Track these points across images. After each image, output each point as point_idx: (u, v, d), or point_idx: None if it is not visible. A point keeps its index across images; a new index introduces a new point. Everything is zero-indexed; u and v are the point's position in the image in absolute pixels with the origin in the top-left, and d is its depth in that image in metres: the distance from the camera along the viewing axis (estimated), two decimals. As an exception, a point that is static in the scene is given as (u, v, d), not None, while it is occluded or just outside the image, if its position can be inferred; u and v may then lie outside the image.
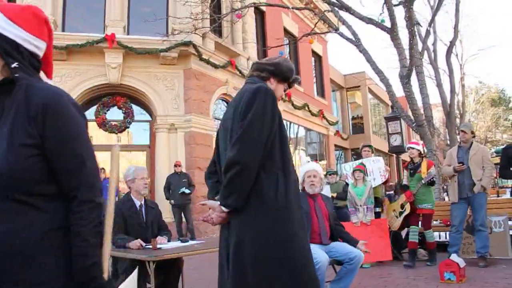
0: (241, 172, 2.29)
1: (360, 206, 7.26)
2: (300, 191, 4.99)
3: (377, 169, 7.81)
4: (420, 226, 7.16)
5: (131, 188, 4.45)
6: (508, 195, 13.57)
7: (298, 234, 2.38)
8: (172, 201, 11.19)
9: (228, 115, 2.58)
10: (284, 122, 16.02)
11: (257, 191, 2.33)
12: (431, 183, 6.99)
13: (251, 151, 2.31)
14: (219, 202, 2.40)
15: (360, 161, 8.07)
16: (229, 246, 2.40)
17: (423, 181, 6.88)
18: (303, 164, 8.44)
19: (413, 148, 7.33)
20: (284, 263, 2.28)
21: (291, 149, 20.02)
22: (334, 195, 8.93)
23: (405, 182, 7.28)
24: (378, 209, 7.57)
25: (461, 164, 6.62)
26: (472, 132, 7.00)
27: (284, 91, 2.78)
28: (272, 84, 2.69)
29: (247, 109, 2.39)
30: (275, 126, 2.44)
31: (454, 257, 5.71)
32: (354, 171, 7.58)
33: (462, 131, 6.99)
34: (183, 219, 11.33)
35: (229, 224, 2.43)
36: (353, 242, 4.73)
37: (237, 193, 2.32)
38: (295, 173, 2.55)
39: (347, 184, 8.33)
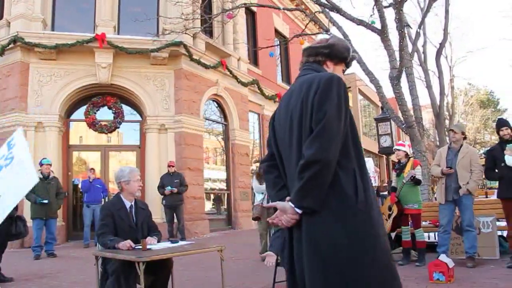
0: (321, 172, 2.13)
1: None
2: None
3: None
4: (410, 226, 7.21)
5: (124, 189, 4.42)
6: (496, 196, 13.66)
7: (380, 233, 2.22)
8: (164, 201, 11.17)
9: (291, 106, 2.37)
10: (275, 122, 15.92)
11: (335, 190, 2.17)
12: (416, 182, 7.03)
13: (331, 148, 2.13)
14: (289, 204, 2.22)
15: None
16: (301, 249, 2.25)
17: (403, 180, 6.95)
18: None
19: (399, 150, 7.40)
20: (370, 264, 2.12)
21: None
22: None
23: (393, 183, 7.33)
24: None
25: (449, 169, 6.68)
26: (463, 133, 7.03)
27: (343, 72, 2.56)
28: (329, 68, 2.50)
29: (321, 101, 2.19)
30: (348, 118, 2.26)
31: (443, 257, 5.75)
32: None
33: (452, 130, 7.02)
34: (175, 220, 11.29)
35: (301, 225, 2.24)
36: None
37: (315, 193, 2.15)
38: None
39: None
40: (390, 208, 7.36)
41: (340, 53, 2.51)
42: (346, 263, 2.11)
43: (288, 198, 2.27)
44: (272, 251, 4.58)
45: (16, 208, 7.01)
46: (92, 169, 11.46)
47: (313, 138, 2.14)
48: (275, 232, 4.69)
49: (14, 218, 6.98)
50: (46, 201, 9.17)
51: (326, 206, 2.15)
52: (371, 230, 2.19)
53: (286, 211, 2.23)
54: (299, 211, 2.19)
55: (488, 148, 8.00)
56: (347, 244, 2.12)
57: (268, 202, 8.05)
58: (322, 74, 2.35)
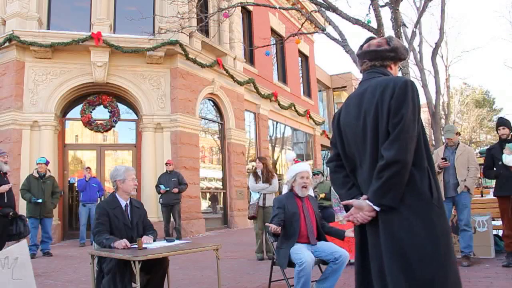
0: (400, 171, 2.27)
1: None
2: (288, 190, 5.01)
3: None
4: None
5: (119, 188, 4.42)
6: (492, 195, 13.71)
7: (449, 230, 2.42)
8: (161, 200, 11.15)
9: (364, 109, 2.48)
10: (271, 122, 15.99)
11: (412, 188, 2.31)
12: None
13: (408, 149, 2.28)
14: (366, 201, 2.36)
15: None
16: (377, 244, 2.37)
17: None
18: (289, 159, 8.39)
19: None
20: (444, 259, 2.26)
21: (278, 149, 20.06)
22: (323, 195, 8.96)
23: None
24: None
25: (444, 160, 6.68)
26: (458, 133, 7.07)
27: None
28: (392, 70, 2.66)
29: (398, 106, 2.32)
30: (420, 121, 2.43)
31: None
32: None
33: (448, 138, 7.03)
34: (172, 218, 11.26)
35: (378, 222, 2.37)
36: (340, 233, 4.79)
37: (395, 191, 2.29)
38: None
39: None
40: None
41: (402, 55, 2.66)
42: (426, 257, 2.23)
43: (364, 196, 2.41)
44: (278, 265, 4.59)
45: (13, 207, 6.99)
46: (88, 168, 11.43)
47: (392, 140, 2.29)
48: (278, 248, 4.68)
49: (14, 217, 6.95)
50: (40, 200, 9.15)
51: (404, 203, 2.30)
52: (445, 225, 2.37)
53: (363, 208, 2.38)
54: (378, 208, 2.33)
55: (488, 147, 8.03)
56: (426, 238, 2.25)
57: (264, 201, 8.11)
58: (395, 78, 2.46)
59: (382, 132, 2.36)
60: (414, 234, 2.26)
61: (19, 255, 4.15)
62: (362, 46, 2.72)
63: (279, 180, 9.36)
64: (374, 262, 2.39)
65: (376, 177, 2.32)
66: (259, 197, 8.20)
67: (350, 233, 4.70)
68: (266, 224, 4.58)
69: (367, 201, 2.36)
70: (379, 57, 2.61)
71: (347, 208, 2.55)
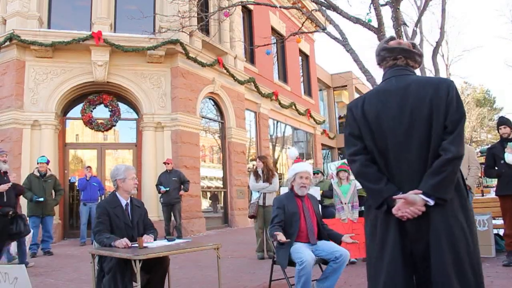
0: (458, 167, 2.41)
1: (345, 204, 7.31)
2: (288, 190, 5.01)
3: None
4: None
5: (120, 187, 4.42)
6: (492, 194, 13.72)
7: None
8: (161, 199, 11.16)
9: (410, 105, 2.51)
10: (271, 121, 15.97)
11: (457, 183, 2.44)
12: None
13: (463, 146, 2.44)
14: (420, 196, 2.37)
15: (343, 160, 8.04)
16: (425, 238, 2.41)
17: None
18: (291, 156, 8.39)
19: None
20: (478, 248, 2.43)
21: (278, 148, 20.06)
22: (321, 192, 8.95)
23: None
24: (363, 209, 7.60)
25: None
26: None
27: None
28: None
29: (458, 104, 2.44)
30: None
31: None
32: (338, 171, 7.59)
33: None
34: (172, 218, 11.26)
35: (429, 216, 2.40)
36: (338, 237, 4.78)
37: (452, 185, 2.40)
38: None
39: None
40: None
41: (421, 63, 2.77)
42: (470, 250, 2.37)
43: (416, 191, 2.39)
44: (279, 264, 4.59)
45: (14, 207, 6.99)
46: (88, 167, 11.44)
47: (455, 136, 2.39)
48: (278, 247, 4.68)
49: (14, 216, 6.96)
50: (41, 199, 9.16)
51: (452, 198, 2.41)
52: (473, 218, 2.53)
53: (416, 203, 2.37)
54: (432, 202, 2.36)
55: (489, 146, 8.02)
56: (469, 233, 2.40)
57: (264, 200, 8.11)
58: (444, 78, 2.66)
59: (437, 128, 2.42)
60: (462, 228, 2.38)
61: (18, 276, 4.15)
62: (387, 41, 2.77)
63: (279, 179, 9.37)
64: (419, 258, 2.43)
65: (436, 171, 2.36)
66: (259, 196, 8.21)
67: (347, 238, 4.71)
68: (275, 233, 4.56)
69: (421, 196, 2.37)
70: (412, 57, 2.69)
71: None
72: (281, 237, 4.43)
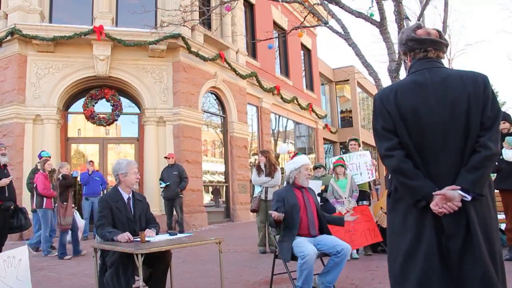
0: (494, 163, 2.45)
1: (345, 198, 7.32)
2: (290, 183, 5.03)
3: (363, 164, 7.79)
4: None
5: (122, 182, 4.43)
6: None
7: None
8: (163, 193, 11.17)
9: (451, 98, 2.45)
10: (273, 115, 15.92)
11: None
12: None
13: (499, 143, 2.44)
14: (459, 192, 2.35)
15: (338, 156, 8.02)
16: (458, 236, 2.38)
17: None
18: (283, 152, 8.41)
19: None
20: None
21: (280, 142, 20.05)
22: (323, 187, 8.96)
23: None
24: (366, 203, 7.60)
25: None
26: None
27: None
28: None
29: (494, 100, 2.43)
30: None
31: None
32: (335, 166, 7.58)
33: None
34: (174, 212, 11.28)
35: (467, 212, 2.38)
36: (341, 219, 4.89)
37: (487, 182, 2.43)
38: None
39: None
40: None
41: (445, 53, 2.71)
42: (499, 246, 2.44)
43: (454, 186, 2.36)
44: (281, 258, 4.61)
45: (14, 200, 7.00)
46: (91, 161, 11.46)
47: (493, 133, 2.38)
48: (280, 242, 4.70)
49: (15, 210, 6.97)
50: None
51: (486, 193, 2.44)
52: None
53: (454, 198, 2.35)
54: (469, 197, 2.35)
55: None
56: (496, 228, 2.47)
57: (266, 194, 8.13)
58: (476, 72, 2.54)
59: (475, 124, 2.39)
60: (494, 224, 2.44)
61: (22, 257, 4.20)
62: (414, 30, 2.65)
63: (281, 173, 9.36)
64: (455, 254, 2.38)
65: (476, 167, 2.35)
66: (261, 191, 8.23)
67: (349, 217, 4.81)
68: (269, 212, 4.61)
69: (459, 191, 2.34)
70: (441, 49, 2.62)
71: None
72: (276, 216, 4.47)
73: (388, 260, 2.62)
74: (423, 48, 2.60)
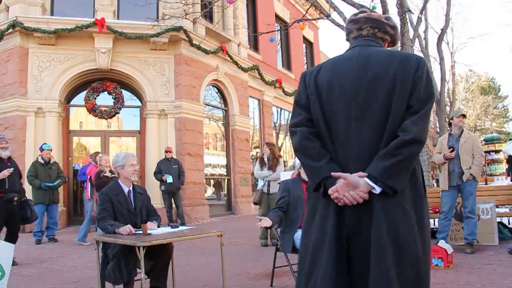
0: (417, 153, 2.03)
1: None
2: (296, 175, 5.04)
3: None
4: None
5: (120, 174, 4.45)
6: (496, 183, 13.71)
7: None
8: (162, 187, 11.17)
9: (371, 75, 2.13)
10: (275, 108, 15.89)
11: (411, 176, 2.07)
12: None
13: (427, 131, 2.09)
14: (365, 179, 1.99)
15: None
16: (365, 230, 2.02)
17: None
18: None
19: None
20: (428, 255, 2.09)
21: (282, 135, 20.04)
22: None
23: None
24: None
25: (451, 149, 6.67)
26: (463, 115, 7.06)
27: None
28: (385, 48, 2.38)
29: (428, 82, 2.08)
30: None
31: (442, 243, 5.78)
32: None
33: (462, 115, 7.01)
34: (173, 205, 11.30)
35: (366, 208, 2.02)
36: None
37: (405, 174, 2.01)
38: None
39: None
40: None
41: (397, 39, 2.44)
42: (418, 251, 2.00)
43: (361, 173, 2.02)
44: (282, 250, 4.62)
45: (19, 192, 6.99)
46: (97, 152, 11.44)
47: (420, 117, 2.02)
48: (282, 233, 4.71)
49: (22, 202, 6.99)
50: (55, 184, 9.24)
51: (403, 192, 2.03)
52: (428, 221, 2.15)
53: (358, 187, 1.99)
54: (378, 190, 1.98)
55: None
56: (418, 233, 2.02)
57: (268, 188, 8.15)
58: (413, 54, 2.30)
59: (398, 105, 2.04)
60: (410, 226, 2.01)
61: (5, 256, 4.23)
62: (356, 14, 2.43)
63: (284, 166, 9.36)
64: (356, 253, 2.06)
65: (390, 153, 1.98)
66: (264, 184, 8.26)
67: None
68: (257, 217, 4.62)
69: (366, 179, 1.99)
70: (381, 27, 2.35)
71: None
72: (262, 222, 4.45)
73: (300, 251, 2.27)
74: (357, 26, 2.37)
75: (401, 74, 2.08)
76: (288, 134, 20.29)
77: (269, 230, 8.21)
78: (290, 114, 2.33)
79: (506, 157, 6.96)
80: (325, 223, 2.10)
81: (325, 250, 2.05)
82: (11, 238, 6.70)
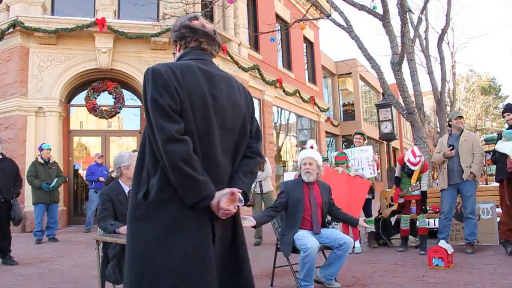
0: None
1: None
2: (298, 177, 5.04)
3: (365, 159, 7.71)
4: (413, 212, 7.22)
5: (123, 174, 4.43)
6: (495, 183, 13.67)
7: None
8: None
9: (234, 99, 2.27)
10: (276, 108, 15.86)
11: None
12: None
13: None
14: (240, 195, 2.10)
15: (339, 152, 7.90)
16: (230, 246, 2.20)
17: (409, 188, 6.90)
18: (307, 146, 8.47)
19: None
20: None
21: (282, 135, 20.03)
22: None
23: (397, 174, 7.28)
24: (369, 196, 7.55)
25: (451, 148, 6.66)
26: (461, 117, 7.06)
27: None
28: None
29: (254, 114, 2.42)
30: None
31: (442, 243, 5.78)
32: (336, 163, 7.44)
33: (460, 116, 7.00)
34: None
35: (234, 223, 2.22)
36: (354, 221, 4.84)
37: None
38: None
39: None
40: (392, 199, 7.42)
41: (216, 54, 2.48)
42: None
43: (236, 189, 2.07)
44: (283, 253, 4.62)
45: (3, 193, 6.96)
46: (101, 156, 11.43)
47: (260, 138, 2.38)
48: (282, 235, 4.70)
49: (4, 202, 6.98)
50: (53, 184, 9.23)
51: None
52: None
53: (235, 199, 2.08)
54: (242, 203, 2.13)
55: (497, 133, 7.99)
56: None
57: (261, 188, 8.20)
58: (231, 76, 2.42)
59: (246, 130, 2.31)
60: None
61: None
62: (190, 19, 2.37)
63: (283, 166, 9.33)
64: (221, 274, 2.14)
65: (252, 172, 2.26)
66: (255, 185, 8.25)
67: (363, 223, 4.77)
68: (242, 216, 4.60)
69: (240, 195, 2.10)
70: (213, 45, 2.41)
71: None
72: (246, 222, 4.29)
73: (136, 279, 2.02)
74: (195, 37, 2.31)
75: (246, 102, 2.40)
76: (286, 134, 20.21)
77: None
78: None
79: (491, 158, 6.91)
80: (203, 240, 2.04)
81: (205, 267, 2.02)
82: (4, 242, 6.79)
